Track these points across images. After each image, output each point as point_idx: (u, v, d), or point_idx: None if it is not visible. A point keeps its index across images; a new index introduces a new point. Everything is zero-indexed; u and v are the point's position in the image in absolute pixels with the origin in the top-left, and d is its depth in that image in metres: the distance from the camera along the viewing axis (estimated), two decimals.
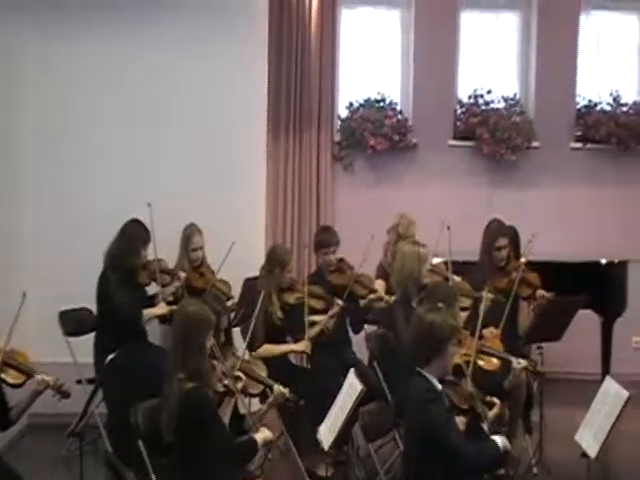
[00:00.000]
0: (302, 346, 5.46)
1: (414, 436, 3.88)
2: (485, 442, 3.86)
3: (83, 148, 6.49)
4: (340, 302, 5.62)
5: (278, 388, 4.39)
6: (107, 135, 6.48)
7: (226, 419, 3.99)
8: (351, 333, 6.03)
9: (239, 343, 4.93)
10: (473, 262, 5.92)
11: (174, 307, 5.56)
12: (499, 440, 3.85)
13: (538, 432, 5.50)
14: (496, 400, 4.23)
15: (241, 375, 4.24)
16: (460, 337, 4.05)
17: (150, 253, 5.74)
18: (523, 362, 4.89)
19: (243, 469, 4.02)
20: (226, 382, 4.04)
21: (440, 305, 4.23)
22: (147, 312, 5.60)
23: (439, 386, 3.87)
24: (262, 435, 3.95)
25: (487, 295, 5.27)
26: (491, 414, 4.14)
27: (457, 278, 5.68)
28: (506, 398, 5.00)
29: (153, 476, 4.05)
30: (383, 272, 6.20)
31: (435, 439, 3.73)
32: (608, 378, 4.36)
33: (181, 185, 6.47)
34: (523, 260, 5.83)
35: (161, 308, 5.63)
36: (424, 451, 3.78)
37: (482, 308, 4.94)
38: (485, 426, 4.05)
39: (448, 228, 5.70)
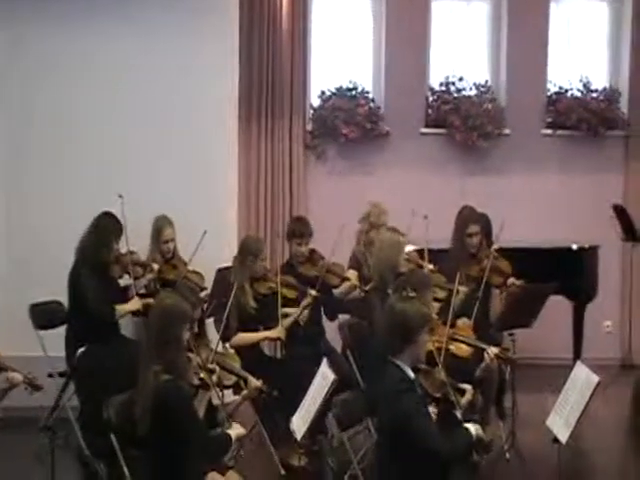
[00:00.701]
0: (277, 332, 5.46)
1: (387, 426, 3.89)
2: (458, 431, 3.88)
3: (51, 138, 6.41)
4: (313, 292, 5.63)
5: (252, 382, 4.38)
6: (76, 124, 6.40)
7: (201, 412, 3.98)
8: (325, 322, 6.04)
9: (212, 334, 4.91)
10: (445, 250, 5.93)
11: (147, 301, 5.55)
12: (472, 428, 3.86)
13: (510, 418, 5.54)
14: (467, 386, 4.25)
15: (215, 367, 4.23)
16: (432, 325, 4.04)
17: (122, 246, 5.70)
18: (494, 350, 4.91)
19: (216, 462, 4.00)
20: (202, 375, 4.02)
21: (412, 294, 4.23)
22: (120, 308, 5.56)
23: (412, 375, 3.88)
24: (235, 431, 3.93)
25: (461, 288, 5.32)
26: (463, 401, 4.16)
27: (431, 266, 5.69)
28: (478, 385, 5.03)
29: (126, 470, 4.02)
30: (356, 262, 6.21)
31: (408, 429, 3.73)
32: (578, 363, 4.38)
33: (152, 176, 6.42)
34: (495, 247, 5.85)
35: (134, 304, 5.60)
36: (397, 441, 3.79)
37: (455, 300, 4.98)
38: (458, 414, 4.08)
39: (425, 217, 5.71)
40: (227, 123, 6.87)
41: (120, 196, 5.62)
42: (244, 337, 5.39)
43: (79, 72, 6.38)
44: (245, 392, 4.38)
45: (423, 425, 3.74)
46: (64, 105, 6.38)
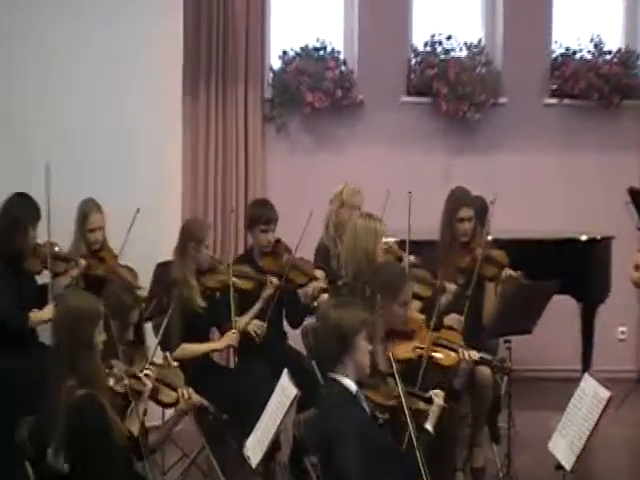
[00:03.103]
0: (226, 340, 5.44)
1: (317, 454, 4.06)
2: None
3: None
4: (275, 280, 5.62)
5: (183, 392, 4.34)
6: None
7: (135, 429, 3.95)
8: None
9: (152, 342, 4.88)
10: (429, 241, 5.93)
11: None
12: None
13: (506, 440, 5.55)
14: (435, 392, 4.28)
15: (142, 377, 4.19)
16: (370, 330, 4.14)
17: (41, 235, 5.61)
18: (475, 354, 4.91)
19: None
20: (126, 382, 3.99)
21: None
22: (33, 316, 5.48)
23: (354, 388, 3.98)
24: None
25: (449, 286, 5.32)
26: (434, 408, 4.23)
27: (412, 258, 5.69)
28: (457, 399, 5.05)
29: None
30: (323, 255, 6.17)
31: (330, 454, 3.80)
32: (586, 376, 4.38)
33: (83, 152, 6.35)
34: (489, 237, 5.86)
35: (49, 311, 5.47)
36: (325, 475, 3.91)
37: (441, 300, 4.98)
38: (429, 425, 4.18)
39: (409, 193, 5.69)
40: (169, 89, 6.82)
41: (47, 168, 5.54)
42: (188, 349, 5.36)
43: (17, 37, 6.30)
44: (179, 407, 4.33)
45: (347, 452, 3.76)
46: None
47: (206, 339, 5.63)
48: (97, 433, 3.71)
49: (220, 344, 5.51)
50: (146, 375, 4.21)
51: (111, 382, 4.00)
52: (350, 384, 3.98)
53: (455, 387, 5.03)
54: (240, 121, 7.49)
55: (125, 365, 4.15)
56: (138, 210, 5.62)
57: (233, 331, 5.40)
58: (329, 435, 3.84)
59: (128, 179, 6.38)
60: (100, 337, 3.89)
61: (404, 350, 4.78)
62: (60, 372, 3.79)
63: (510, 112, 7.87)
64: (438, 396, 4.28)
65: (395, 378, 4.11)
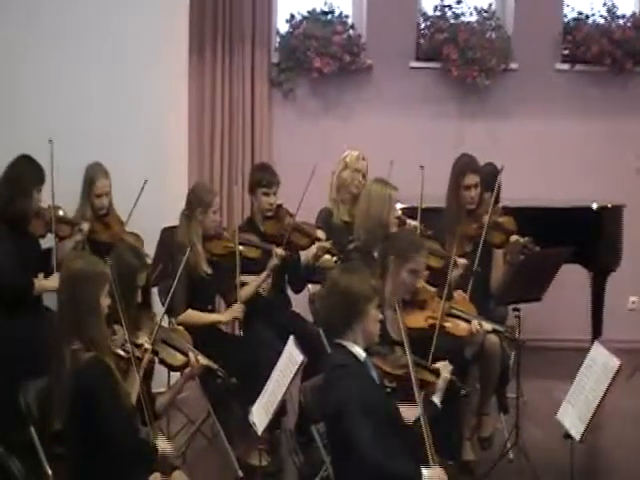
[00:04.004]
0: (231, 313, 5.46)
1: (325, 421, 4.01)
2: (406, 460, 3.85)
3: None
4: (279, 250, 5.62)
5: (194, 357, 4.36)
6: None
7: (134, 395, 3.97)
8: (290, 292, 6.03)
9: (158, 306, 4.88)
10: (439, 209, 5.92)
11: None
12: (426, 473, 3.80)
13: (514, 410, 5.55)
14: (442, 364, 4.28)
15: (145, 344, 4.21)
16: (379, 299, 4.13)
17: (46, 200, 5.61)
18: (487, 325, 4.91)
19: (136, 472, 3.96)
20: (128, 347, 4.01)
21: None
22: (39, 284, 5.47)
23: (362, 355, 3.98)
24: (162, 445, 3.91)
25: (461, 261, 5.32)
26: (440, 382, 4.23)
27: (414, 222, 5.69)
28: (470, 369, 5.05)
29: (48, 469, 3.99)
30: (324, 216, 6.17)
31: (339, 422, 3.79)
32: (596, 344, 4.38)
33: (87, 119, 6.32)
34: (499, 205, 5.85)
35: (54, 280, 5.47)
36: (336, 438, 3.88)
37: (452, 274, 4.97)
38: (436, 398, 4.17)
39: (421, 167, 5.67)
40: (176, 53, 6.79)
41: (50, 141, 5.53)
42: (192, 315, 5.38)
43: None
44: (187, 370, 4.35)
45: (356, 420, 3.75)
46: None
47: (211, 305, 5.64)
48: (105, 394, 3.70)
49: (225, 316, 5.52)
50: (145, 350, 4.21)
51: (115, 347, 4.00)
52: (359, 351, 3.97)
53: (466, 357, 5.01)
54: (247, 86, 7.48)
55: (132, 329, 4.14)
56: (146, 182, 5.60)
57: (239, 304, 5.41)
58: (336, 402, 3.83)
59: (132, 146, 6.36)
60: (106, 301, 3.89)
61: (416, 319, 4.78)
62: (64, 335, 3.78)
63: (521, 78, 7.84)
64: (445, 369, 4.28)
65: (404, 347, 4.09)
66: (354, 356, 3.96)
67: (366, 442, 3.72)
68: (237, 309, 5.43)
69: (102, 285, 3.87)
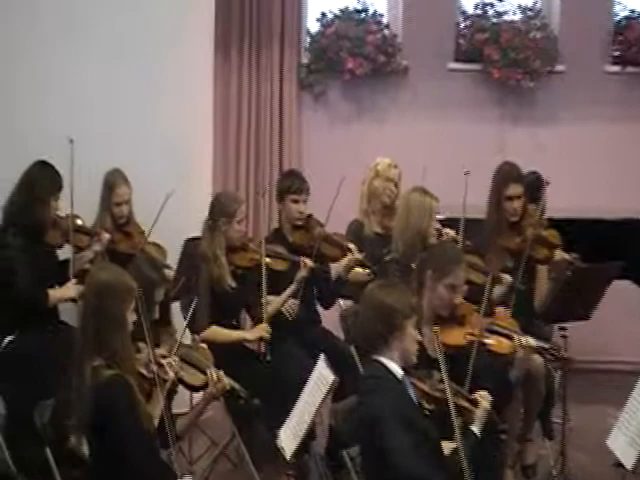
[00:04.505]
0: (257, 332, 5.44)
1: (361, 437, 4.00)
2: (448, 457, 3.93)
3: None
4: (309, 261, 5.62)
5: (213, 374, 4.36)
6: (22, 56, 6.32)
7: (156, 415, 3.98)
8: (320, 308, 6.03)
9: (179, 322, 4.89)
10: (478, 220, 5.91)
11: None
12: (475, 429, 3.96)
13: (560, 436, 5.53)
14: (481, 395, 4.24)
15: (172, 363, 4.21)
16: (418, 316, 4.17)
17: (64, 207, 5.63)
18: (531, 341, 4.88)
19: None
20: (153, 367, 4.02)
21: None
22: (53, 294, 5.51)
23: (400, 373, 4.01)
24: None
25: (506, 277, 5.30)
26: (479, 412, 4.19)
27: (451, 231, 5.69)
28: (511, 391, 5.02)
29: None
30: (354, 227, 6.17)
31: (374, 435, 3.81)
32: None
33: (107, 122, 6.36)
34: (543, 216, 5.83)
35: (68, 289, 5.51)
36: (371, 456, 3.88)
37: (496, 290, 5.01)
38: (475, 428, 4.14)
39: (466, 173, 5.67)
40: (201, 53, 6.85)
41: (71, 141, 5.57)
42: (216, 332, 5.38)
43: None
44: (208, 390, 4.36)
45: (392, 430, 3.79)
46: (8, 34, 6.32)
47: (235, 320, 5.65)
48: (125, 414, 3.73)
49: (251, 335, 5.50)
50: (169, 364, 4.22)
51: (139, 366, 4.01)
52: (396, 369, 4.01)
53: (510, 379, 4.98)
54: (275, 89, 7.51)
55: (152, 348, 4.15)
56: (173, 191, 5.62)
57: (266, 325, 5.39)
58: (374, 417, 3.85)
59: (154, 152, 6.39)
60: (132, 317, 3.90)
61: (454, 336, 4.75)
62: (86, 351, 3.80)
63: (568, 80, 7.82)
64: (484, 399, 4.24)
65: (440, 369, 4.08)
66: (391, 373, 3.99)
67: (402, 452, 3.75)
68: (264, 329, 5.40)
69: (129, 299, 3.89)
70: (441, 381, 4.10)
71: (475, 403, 4.23)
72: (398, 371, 4.01)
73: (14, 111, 6.24)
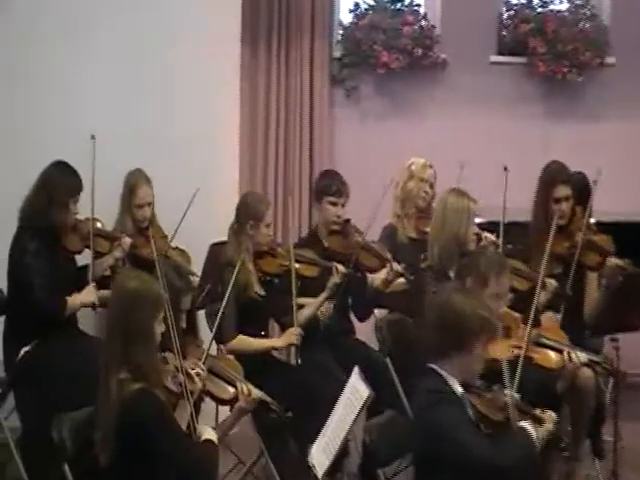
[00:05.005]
0: (287, 338, 5.45)
1: (420, 450, 4.00)
2: (510, 436, 3.96)
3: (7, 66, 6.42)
4: (342, 268, 5.62)
5: (245, 389, 4.38)
6: (42, 51, 6.41)
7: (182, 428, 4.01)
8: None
9: (205, 331, 4.93)
10: (521, 224, 5.91)
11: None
12: (528, 427, 3.96)
13: (611, 456, 5.50)
14: (549, 413, 4.22)
15: (201, 372, 4.23)
16: (493, 335, 4.09)
17: (83, 210, 5.67)
18: (582, 356, 4.86)
19: None
20: (181, 380, 4.04)
21: (471, 286, 4.38)
22: (72, 300, 5.53)
23: (460, 390, 3.98)
24: (211, 436, 3.98)
25: (550, 282, 5.29)
26: (541, 431, 4.13)
27: (490, 235, 5.68)
28: (559, 406, 5.01)
29: None
30: (388, 232, 6.17)
31: (444, 445, 3.82)
32: None
33: (128, 119, 6.41)
34: (592, 220, 5.81)
35: (87, 294, 5.55)
36: (435, 468, 3.87)
37: (540, 296, 4.96)
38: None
39: (505, 169, 5.65)
40: (225, 48, 6.89)
41: (92, 137, 5.62)
42: (244, 341, 5.40)
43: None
44: (238, 404, 4.38)
45: (464, 435, 3.83)
46: (26, 28, 6.39)
47: (264, 330, 5.67)
48: (162, 428, 3.76)
49: (281, 342, 5.51)
50: (197, 374, 4.24)
51: (165, 379, 4.02)
52: (455, 385, 3.98)
53: (557, 392, 4.98)
54: (305, 84, 7.48)
55: (180, 358, 4.17)
56: (197, 190, 5.66)
57: (295, 328, 5.41)
58: (433, 430, 3.86)
59: (178, 152, 6.46)
60: (160, 328, 3.92)
61: (499, 349, 4.74)
62: (112, 363, 3.82)
63: (618, 74, 7.79)
64: (550, 419, 4.18)
65: (504, 383, 4.07)
66: (450, 388, 3.98)
67: (476, 444, 3.80)
68: (293, 334, 5.41)
69: (157, 310, 3.91)
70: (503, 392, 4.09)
71: (540, 421, 4.17)
72: (458, 388, 3.99)
73: (37, 110, 6.32)
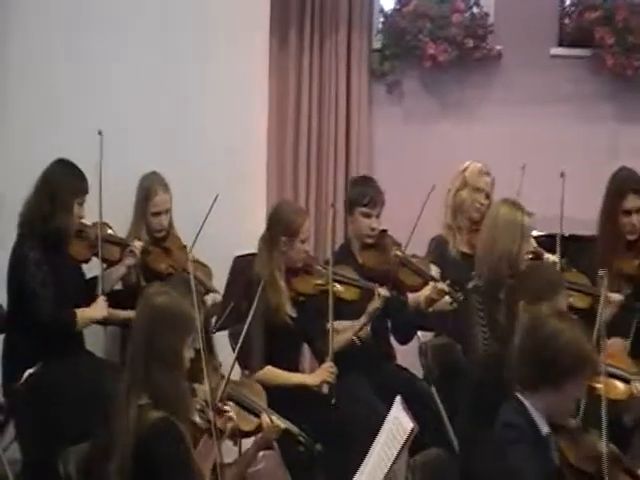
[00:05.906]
0: (321, 375, 5.46)
1: None
2: None
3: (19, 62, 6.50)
4: (383, 291, 5.62)
5: (269, 418, 4.40)
6: (50, 46, 6.49)
7: (207, 472, 4.01)
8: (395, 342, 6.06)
9: (225, 354, 4.94)
10: (585, 237, 5.91)
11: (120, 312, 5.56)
12: None
13: None
14: None
15: (229, 409, 4.25)
16: (591, 373, 4.08)
17: (89, 213, 5.72)
18: None
19: None
20: (210, 416, 4.04)
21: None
22: (82, 315, 5.56)
23: (545, 429, 3.93)
24: None
25: (614, 296, 5.28)
26: None
27: (552, 257, 5.68)
28: (628, 440, 5.00)
29: None
30: (436, 245, 6.18)
31: None
32: None
33: (141, 117, 6.47)
34: None
35: (97, 308, 5.58)
36: None
37: (604, 313, 4.94)
38: None
39: (562, 175, 5.65)
40: (252, 40, 6.94)
41: (100, 133, 5.67)
42: (273, 374, 5.41)
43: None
44: (260, 435, 4.41)
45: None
46: (40, 26, 6.49)
47: (295, 357, 5.68)
48: (177, 469, 3.76)
49: (313, 379, 5.51)
50: (224, 411, 4.24)
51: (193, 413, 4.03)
52: (540, 422, 3.93)
53: (625, 424, 4.97)
54: (341, 80, 7.49)
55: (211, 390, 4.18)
56: (217, 197, 5.62)
57: (331, 365, 5.41)
58: (504, 470, 3.83)
59: (199, 155, 6.48)
60: (189, 353, 3.94)
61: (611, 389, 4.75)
62: (134, 388, 3.83)
63: None
64: None
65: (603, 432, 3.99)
66: (535, 424, 3.92)
67: None
68: (328, 371, 5.41)
69: (188, 332, 3.93)
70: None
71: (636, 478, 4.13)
72: (543, 426, 3.94)
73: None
